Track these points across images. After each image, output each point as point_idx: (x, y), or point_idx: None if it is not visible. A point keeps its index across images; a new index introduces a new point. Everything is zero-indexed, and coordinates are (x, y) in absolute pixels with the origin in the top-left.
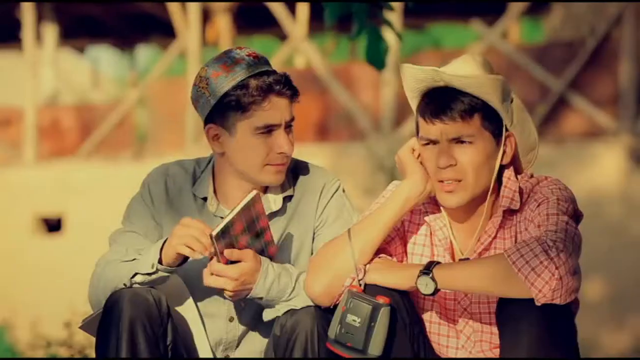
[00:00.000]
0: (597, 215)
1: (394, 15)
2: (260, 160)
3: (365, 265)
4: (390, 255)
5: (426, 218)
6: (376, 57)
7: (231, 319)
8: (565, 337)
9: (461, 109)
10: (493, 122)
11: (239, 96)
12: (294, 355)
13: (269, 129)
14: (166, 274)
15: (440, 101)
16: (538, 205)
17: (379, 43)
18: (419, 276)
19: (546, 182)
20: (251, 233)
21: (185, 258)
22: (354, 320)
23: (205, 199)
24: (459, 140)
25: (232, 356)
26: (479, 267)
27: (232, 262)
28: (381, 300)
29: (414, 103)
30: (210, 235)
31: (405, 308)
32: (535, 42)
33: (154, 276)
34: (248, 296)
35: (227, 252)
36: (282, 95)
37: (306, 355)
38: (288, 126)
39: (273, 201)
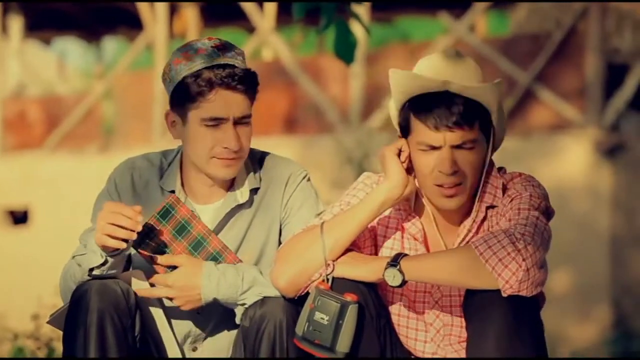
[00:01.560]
0: (564, 208)
1: (362, 9)
2: (206, 152)
3: (333, 261)
4: (360, 249)
5: (397, 212)
6: (345, 52)
7: (198, 312)
8: (532, 329)
9: (466, 115)
10: (487, 124)
11: (189, 85)
12: (262, 346)
13: (215, 122)
14: (121, 258)
15: (445, 109)
16: (511, 201)
17: (347, 37)
18: (386, 268)
19: (520, 179)
20: (187, 240)
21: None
22: (322, 318)
23: (172, 191)
24: (460, 146)
25: (200, 348)
26: (446, 258)
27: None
28: (349, 297)
29: (398, 105)
30: (130, 244)
31: (372, 301)
32: (502, 35)
33: (108, 264)
34: (202, 301)
35: (157, 258)
36: (232, 89)
37: (274, 347)
38: (241, 122)
39: (240, 194)
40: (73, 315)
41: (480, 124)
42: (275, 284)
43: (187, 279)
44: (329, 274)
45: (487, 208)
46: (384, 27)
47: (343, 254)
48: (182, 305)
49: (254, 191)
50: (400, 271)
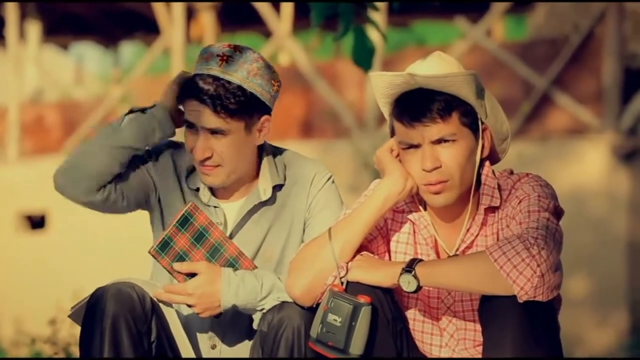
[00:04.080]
0: (581, 212)
1: (379, 14)
2: (190, 153)
3: (347, 263)
4: (372, 254)
5: (410, 216)
6: (363, 58)
7: (216, 317)
8: (549, 334)
9: (439, 108)
10: (470, 118)
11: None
12: (280, 350)
13: (192, 127)
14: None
15: (417, 104)
16: (519, 202)
17: (365, 44)
18: (401, 274)
19: (527, 179)
20: (205, 247)
21: None
22: (335, 320)
23: (197, 189)
24: (440, 141)
25: (218, 345)
26: (461, 265)
27: (192, 278)
28: (362, 299)
29: (386, 109)
30: (150, 252)
31: (389, 305)
32: (519, 39)
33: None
34: (221, 308)
35: (176, 266)
36: (202, 102)
37: (292, 351)
38: (218, 133)
39: (262, 191)
40: (89, 319)
41: (461, 118)
42: (291, 295)
43: (206, 286)
44: (342, 277)
45: (486, 210)
46: (401, 31)
47: (355, 255)
48: (201, 313)
49: (277, 188)
50: (415, 277)
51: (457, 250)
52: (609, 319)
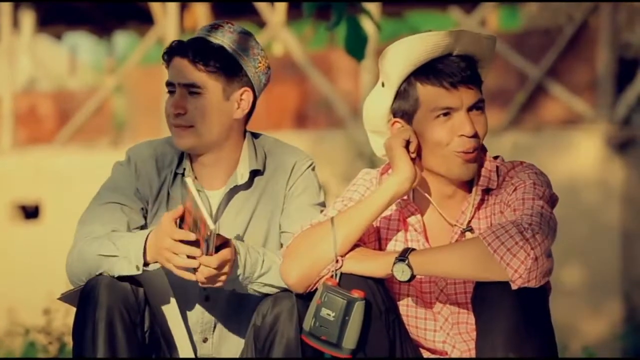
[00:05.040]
0: (575, 202)
1: (373, 4)
2: (167, 120)
3: (341, 257)
4: (364, 243)
5: (409, 220)
6: (356, 48)
7: (207, 298)
8: (541, 323)
9: (475, 72)
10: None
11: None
12: (274, 347)
13: (171, 88)
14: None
15: (457, 65)
16: (515, 190)
17: (358, 34)
18: (394, 263)
19: (521, 167)
20: (186, 225)
21: None
22: (328, 314)
23: (183, 174)
24: (472, 108)
25: (210, 338)
26: (454, 251)
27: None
28: (356, 294)
29: (397, 81)
30: (211, 232)
31: (381, 295)
32: (513, 29)
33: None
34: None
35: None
36: (183, 56)
37: (287, 347)
38: (191, 91)
39: (240, 176)
40: (82, 310)
41: (481, 89)
42: (285, 280)
43: (230, 261)
44: (337, 270)
45: (483, 191)
46: (395, 21)
47: (351, 249)
48: (205, 283)
49: (258, 175)
50: (409, 266)
51: (454, 234)
52: (602, 308)
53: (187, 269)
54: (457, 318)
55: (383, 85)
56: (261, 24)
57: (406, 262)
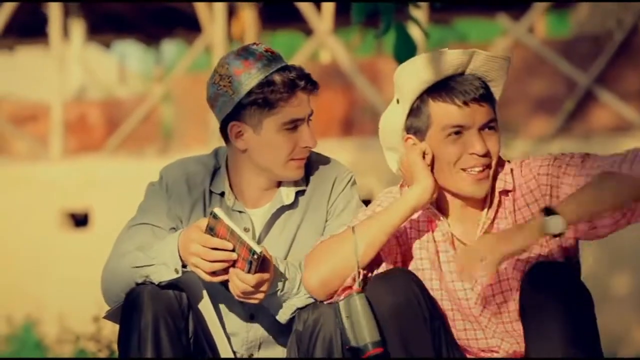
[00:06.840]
0: None
1: (420, 11)
2: (285, 155)
3: (362, 270)
4: (384, 254)
5: (435, 234)
6: (405, 56)
7: (251, 317)
8: (590, 325)
9: (487, 91)
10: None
11: (265, 93)
12: (316, 350)
13: (294, 125)
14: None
15: (470, 83)
16: (546, 174)
17: (407, 41)
18: (546, 219)
19: (527, 161)
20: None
21: None
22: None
23: (222, 194)
24: (485, 127)
25: (255, 355)
26: (596, 187)
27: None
28: (354, 293)
29: (411, 98)
30: (259, 255)
31: (425, 302)
32: (562, 36)
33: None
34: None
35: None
36: (306, 90)
37: (329, 350)
38: (309, 119)
39: (285, 195)
40: (127, 318)
41: (494, 107)
42: (307, 286)
43: (268, 281)
44: (361, 279)
45: (500, 193)
46: (442, 28)
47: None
48: (242, 298)
49: (300, 193)
50: (561, 216)
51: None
52: None
53: (216, 274)
54: (501, 318)
55: (398, 102)
56: (308, 31)
57: (556, 214)
